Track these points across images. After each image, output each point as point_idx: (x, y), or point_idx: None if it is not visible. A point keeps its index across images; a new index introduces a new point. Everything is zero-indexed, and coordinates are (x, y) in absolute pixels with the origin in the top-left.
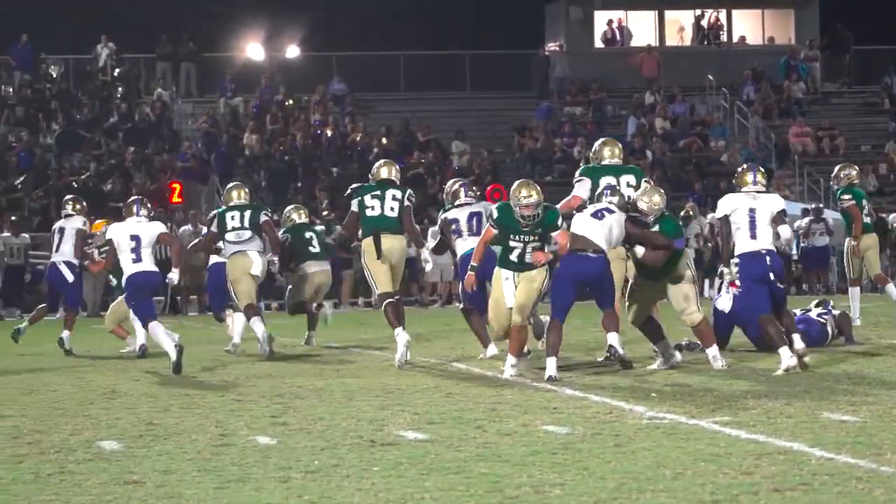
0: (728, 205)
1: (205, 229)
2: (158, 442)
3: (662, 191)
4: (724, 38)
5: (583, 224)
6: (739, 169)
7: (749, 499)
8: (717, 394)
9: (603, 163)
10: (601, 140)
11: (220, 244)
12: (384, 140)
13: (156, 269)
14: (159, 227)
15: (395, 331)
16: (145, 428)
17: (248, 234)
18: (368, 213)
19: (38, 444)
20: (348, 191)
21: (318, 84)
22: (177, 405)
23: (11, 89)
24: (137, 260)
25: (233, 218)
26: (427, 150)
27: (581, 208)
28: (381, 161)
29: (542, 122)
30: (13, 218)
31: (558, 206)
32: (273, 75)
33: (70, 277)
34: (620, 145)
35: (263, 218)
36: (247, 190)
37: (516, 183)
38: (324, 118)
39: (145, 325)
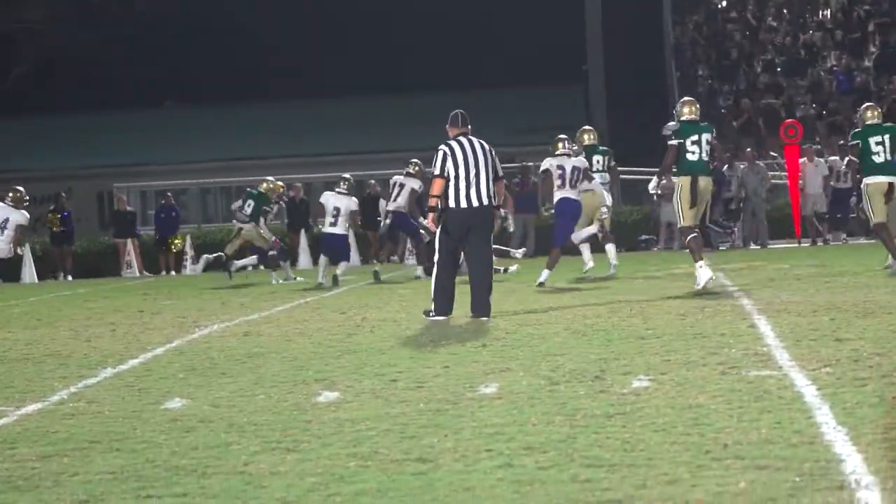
0: None
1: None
2: None
3: None
4: None
5: None
6: None
7: None
8: None
9: None
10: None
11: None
12: None
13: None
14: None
15: (696, 263)
16: None
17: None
18: (689, 157)
19: (878, 367)
20: (666, 131)
21: None
22: None
23: (828, 12)
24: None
25: (598, 162)
26: None
27: None
28: (684, 100)
29: None
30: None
31: None
32: None
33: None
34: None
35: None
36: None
37: None
38: None
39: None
